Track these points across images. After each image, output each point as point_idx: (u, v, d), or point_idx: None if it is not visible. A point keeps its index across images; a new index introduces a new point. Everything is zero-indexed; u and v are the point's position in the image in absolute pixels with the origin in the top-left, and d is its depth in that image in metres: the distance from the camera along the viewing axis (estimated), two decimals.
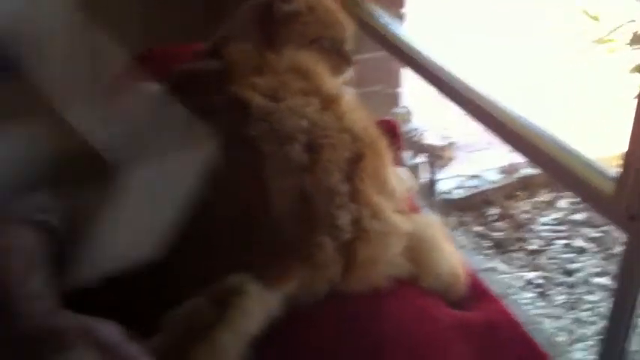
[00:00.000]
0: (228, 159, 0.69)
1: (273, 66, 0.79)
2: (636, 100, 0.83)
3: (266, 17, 0.86)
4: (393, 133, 1.00)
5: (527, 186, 2.47)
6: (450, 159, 2.13)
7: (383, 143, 0.79)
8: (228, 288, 0.66)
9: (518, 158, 2.31)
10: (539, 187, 2.45)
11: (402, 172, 0.93)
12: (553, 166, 0.99)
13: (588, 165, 0.93)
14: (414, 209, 0.87)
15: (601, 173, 0.91)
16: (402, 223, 0.73)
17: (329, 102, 0.77)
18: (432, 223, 0.81)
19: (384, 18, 1.50)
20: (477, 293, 0.78)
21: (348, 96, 0.82)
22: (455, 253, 0.79)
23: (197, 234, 0.70)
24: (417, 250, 0.74)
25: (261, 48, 0.82)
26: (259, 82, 0.76)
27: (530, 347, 0.72)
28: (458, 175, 2.44)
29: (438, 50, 1.32)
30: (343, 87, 0.88)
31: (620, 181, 0.87)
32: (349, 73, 0.95)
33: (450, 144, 2.13)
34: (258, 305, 0.65)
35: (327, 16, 0.90)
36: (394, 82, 2.03)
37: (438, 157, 2.08)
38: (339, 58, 0.91)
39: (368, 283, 0.70)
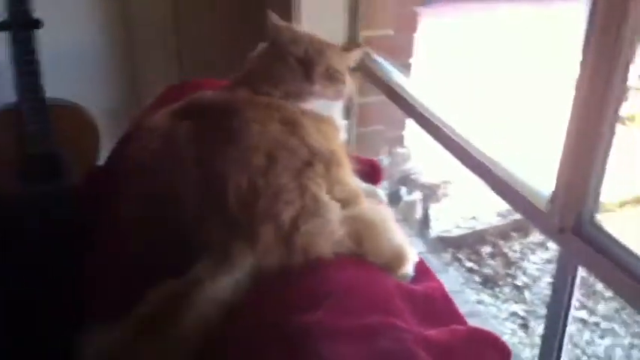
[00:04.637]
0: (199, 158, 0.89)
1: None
2: None
3: None
4: (376, 170, 1.17)
5: (520, 228, 2.62)
6: (444, 195, 2.31)
7: (340, 154, 0.96)
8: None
9: None
10: (531, 228, 2.60)
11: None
12: (502, 188, 1.18)
13: (527, 186, 1.12)
14: None
15: (537, 192, 1.09)
16: (337, 211, 0.88)
17: (294, 126, 0.96)
18: (378, 209, 0.93)
19: (388, 68, 1.62)
20: (419, 272, 0.92)
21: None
22: (398, 236, 0.91)
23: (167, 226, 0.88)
24: (358, 232, 0.87)
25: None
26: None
27: (459, 319, 0.87)
28: (460, 217, 2.60)
29: (437, 100, 1.42)
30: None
31: (552, 198, 1.04)
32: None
33: (444, 182, 2.31)
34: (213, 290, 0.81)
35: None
36: (398, 125, 2.16)
37: (432, 193, 2.26)
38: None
39: (312, 258, 0.84)
